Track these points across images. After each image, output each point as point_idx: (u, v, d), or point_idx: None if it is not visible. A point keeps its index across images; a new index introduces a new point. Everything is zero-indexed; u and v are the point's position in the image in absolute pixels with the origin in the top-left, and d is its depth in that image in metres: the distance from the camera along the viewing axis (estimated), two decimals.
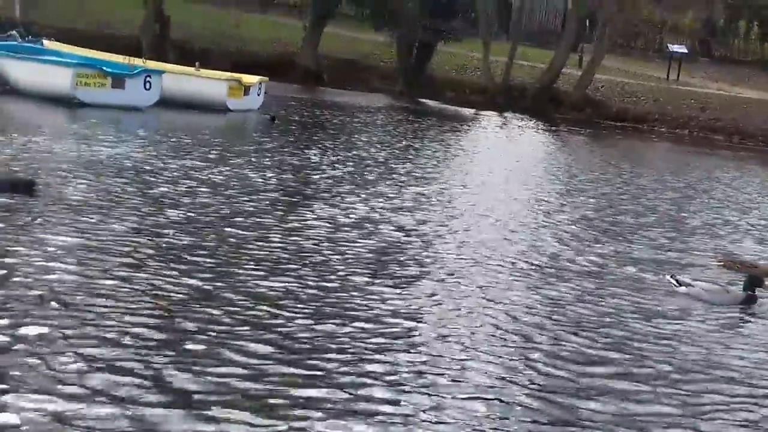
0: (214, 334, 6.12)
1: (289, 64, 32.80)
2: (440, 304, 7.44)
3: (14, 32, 21.55)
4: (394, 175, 14.28)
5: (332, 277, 7.87)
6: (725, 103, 35.09)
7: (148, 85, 19.06)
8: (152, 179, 11.37)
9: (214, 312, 6.55)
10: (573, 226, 11.84)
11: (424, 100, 32.21)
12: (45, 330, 5.77)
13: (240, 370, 5.54)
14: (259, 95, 21.93)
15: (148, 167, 12.15)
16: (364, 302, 7.23)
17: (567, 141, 26.42)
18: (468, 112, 30.98)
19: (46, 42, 22.33)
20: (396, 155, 17.01)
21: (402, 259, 8.83)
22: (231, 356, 5.76)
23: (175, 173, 12.03)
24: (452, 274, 8.45)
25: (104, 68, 18.93)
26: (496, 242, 10.16)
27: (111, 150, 13.15)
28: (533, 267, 9.21)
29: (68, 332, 5.81)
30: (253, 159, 14.24)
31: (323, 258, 8.48)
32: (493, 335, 6.78)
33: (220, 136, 16.63)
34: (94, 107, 17.94)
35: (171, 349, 5.77)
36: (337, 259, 8.50)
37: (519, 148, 21.90)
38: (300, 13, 35.96)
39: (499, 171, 16.78)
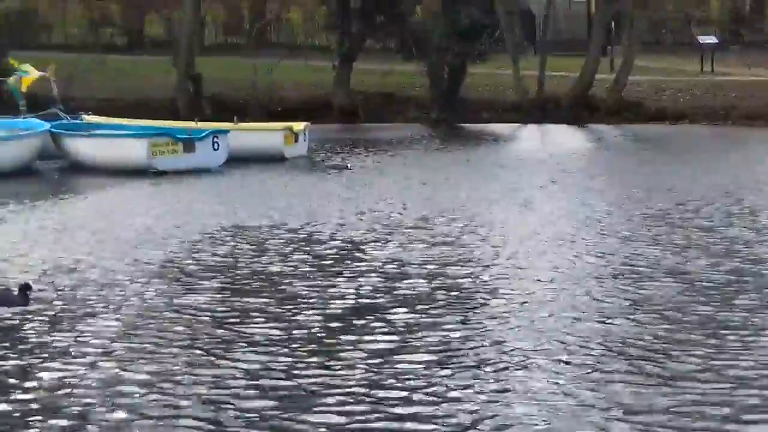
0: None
1: (325, 106, 33.17)
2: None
3: (55, 109, 22.04)
4: (444, 207, 14.40)
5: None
6: (763, 89, 34.74)
7: (216, 146, 19.69)
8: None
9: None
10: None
11: (461, 125, 32.34)
12: None
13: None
14: (305, 141, 22.81)
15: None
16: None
17: (604, 144, 26.41)
18: (506, 129, 31.05)
19: (85, 117, 22.86)
20: (446, 184, 17.15)
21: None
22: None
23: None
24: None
25: (175, 135, 19.44)
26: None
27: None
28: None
29: None
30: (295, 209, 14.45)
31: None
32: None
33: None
34: (169, 173, 18.48)
35: None
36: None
37: (563, 158, 21.91)
38: (329, 54, 36.32)
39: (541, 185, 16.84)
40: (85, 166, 19.38)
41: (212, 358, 6.95)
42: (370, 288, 9.15)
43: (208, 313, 8.24)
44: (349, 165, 20.38)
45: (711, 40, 39.69)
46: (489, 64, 35.72)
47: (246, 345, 7.30)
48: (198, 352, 7.12)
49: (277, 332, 7.63)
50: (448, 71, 34.38)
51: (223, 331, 7.69)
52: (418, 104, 34.34)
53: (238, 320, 8.03)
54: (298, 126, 22.76)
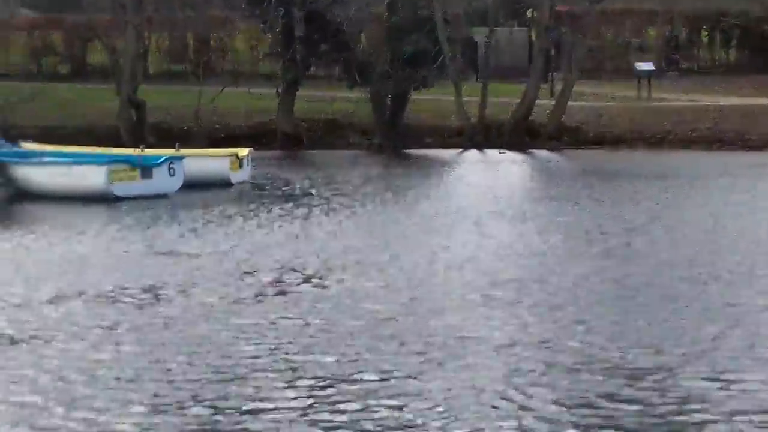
0: None
1: (269, 132, 33.29)
2: None
3: None
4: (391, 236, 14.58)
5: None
6: (699, 113, 35.54)
7: (172, 172, 19.78)
8: None
9: None
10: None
11: (404, 150, 32.61)
12: None
13: None
14: (248, 166, 23.04)
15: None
16: None
17: (542, 168, 26.83)
18: (448, 155, 31.37)
19: (24, 144, 22.73)
20: (393, 210, 17.34)
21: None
22: None
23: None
24: None
25: (133, 161, 19.59)
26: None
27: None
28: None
29: None
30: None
31: None
32: None
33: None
34: (126, 200, 18.52)
35: None
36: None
37: (504, 184, 22.23)
38: (273, 82, 36.42)
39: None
40: (33, 194, 19.10)
41: None
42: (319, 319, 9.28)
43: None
44: (313, 191, 20.30)
45: (648, 66, 40.52)
46: (432, 91, 36.08)
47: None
48: None
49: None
50: (391, 98, 34.70)
51: None
52: (361, 130, 34.60)
53: None
54: (242, 152, 23.05)
